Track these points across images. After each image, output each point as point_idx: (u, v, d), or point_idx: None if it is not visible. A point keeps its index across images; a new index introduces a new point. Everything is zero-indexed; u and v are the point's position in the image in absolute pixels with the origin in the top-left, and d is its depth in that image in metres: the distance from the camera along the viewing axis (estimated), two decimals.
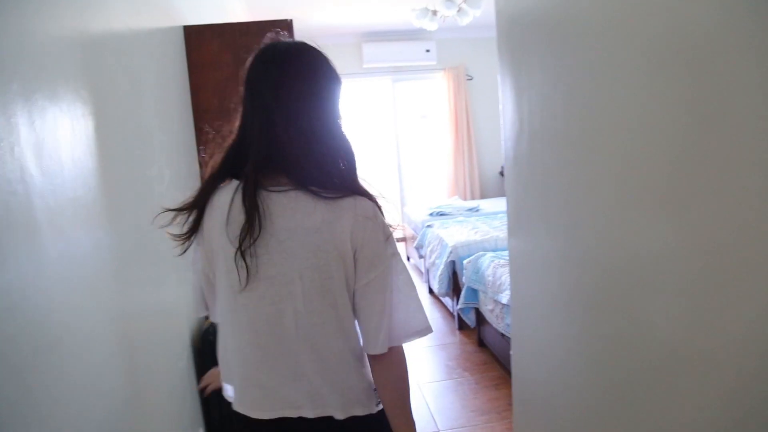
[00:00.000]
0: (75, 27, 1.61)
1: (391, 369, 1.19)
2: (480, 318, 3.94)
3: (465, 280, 3.90)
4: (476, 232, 4.66)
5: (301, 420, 1.18)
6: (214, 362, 2.51)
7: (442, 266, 4.37)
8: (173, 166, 2.59)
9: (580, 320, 1.70)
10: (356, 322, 1.21)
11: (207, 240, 1.23)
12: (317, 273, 1.12)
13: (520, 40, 1.97)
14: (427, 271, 5.10)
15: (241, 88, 1.23)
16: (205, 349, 2.47)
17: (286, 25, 3.06)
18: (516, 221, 2.23)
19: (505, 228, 4.66)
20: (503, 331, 3.38)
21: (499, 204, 6.28)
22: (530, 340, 2.17)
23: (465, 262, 3.94)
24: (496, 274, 3.49)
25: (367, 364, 1.23)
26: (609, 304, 1.53)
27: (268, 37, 1.26)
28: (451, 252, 4.29)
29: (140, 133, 2.14)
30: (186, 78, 3.00)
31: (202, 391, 1.67)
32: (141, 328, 1.98)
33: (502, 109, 2.25)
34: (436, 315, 4.79)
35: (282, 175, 1.14)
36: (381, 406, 1.23)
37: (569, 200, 1.69)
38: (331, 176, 1.15)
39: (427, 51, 7.35)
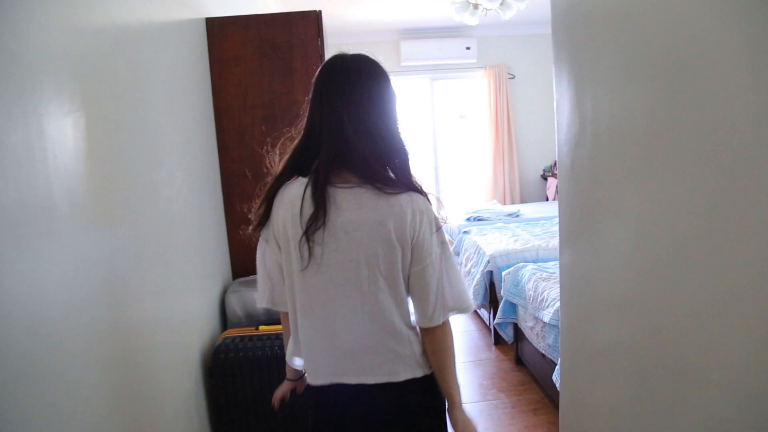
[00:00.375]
0: (66, 17, 1.43)
1: (440, 340, 1.39)
2: (518, 334, 3.66)
3: (503, 292, 3.62)
4: (516, 240, 4.36)
5: (360, 386, 1.36)
6: (226, 385, 2.27)
7: (478, 276, 4.10)
8: (188, 167, 2.40)
9: (655, 352, 1.44)
10: (409, 300, 1.39)
11: (278, 232, 1.38)
12: (379, 259, 1.29)
13: (584, 27, 1.70)
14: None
15: (309, 96, 1.37)
16: (216, 369, 2.27)
17: (315, 15, 2.85)
18: (570, 232, 1.97)
19: (547, 236, 4.36)
20: (544, 352, 3.09)
21: (540, 209, 5.95)
22: (585, 365, 1.91)
23: (504, 273, 3.66)
24: (537, 289, 3.21)
25: (419, 334, 1.42)
26: (690, 338, 1.26)
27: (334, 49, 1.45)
28: (488, 262, 4.02)
29: (145, 133, 1.95)
30: (207, 73, 2.82)
31: (278, 406, 1.68)
32: (141, 345, 1.79)
33: (556, 108, 1.98)
34: (470, 328, 4.52)
35: (348, 173, 1.31)
36: (430, 371, 1.41)
37: (646, 214, 1.42)
38: (391, 172, 1.31)
39: (467, 48, 7.06)
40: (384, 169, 1.31)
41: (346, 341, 1.35)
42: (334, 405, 1.43)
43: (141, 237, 1.84)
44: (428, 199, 1.36)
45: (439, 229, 1.36)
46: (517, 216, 5.63)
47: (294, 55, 2.86)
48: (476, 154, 7.57)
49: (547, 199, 7.37)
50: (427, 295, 1.35)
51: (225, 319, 2.66)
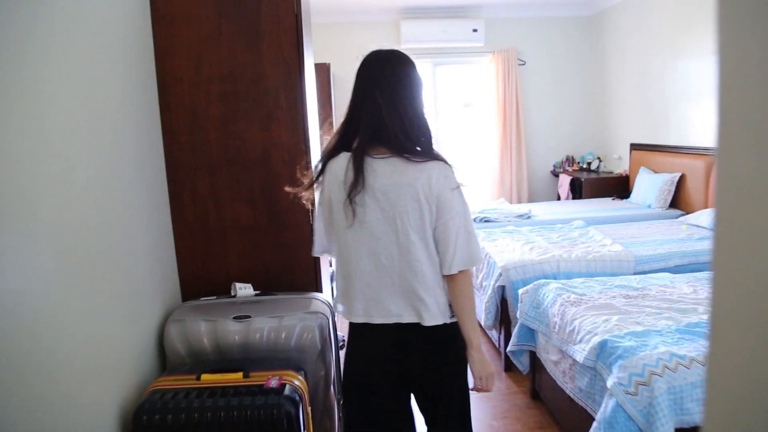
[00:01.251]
0: None
1: (459, 287, 1.63)
2: (535, 362, 3.04)
3: (519, 315, 3.00)
4: (531, 249, 3.73)
5: (396, 325, 1.64)
6: None
7: (489, 291, 3.47)
8: (107, 159, 1.75)
9: None
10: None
11: (327, 196, 1.69)
12: (411, 215, 1.59)
13: None
14: None
15: (353, 86, 1.69)
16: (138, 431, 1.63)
17: None
18: (731, 246, 1.30)
19: (567, 244, 3.74)
20: (573, 395, 2.48)
21: (554, 210, 5.32)
22: None
23: (520, 292, 3.03)
24: (565, 316, 2.58)
25: (444, 283, 1.65)
26: None
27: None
28: (500, 275, 3.39)
29: (20, 114, 1.31)
30: (148, 35, 2.17)
31: None
32: (22, 399, 1.16)
33: (719, 87, 1.29)
34: None
35: (383, 147, 1.60)
36: (454, 319, 1.66)
37: None
38: (417, 146, 1.61)
39: (474, 31, 6.41)
40: (412, 144, 1.59)
41: (382, 286, 1.63)
42: (367, 340, 1.70)
43: (31, 250, 1.21)
44: (449, 166, 1.62)
45: (457, 189, 1.60)
46: (529, 217, 4.99)
47: (262, 14, 2.22)
48: (481, 147, 6.93)
49: (558, 198, 6.74)
50: (447, 245, 1.59)
51: (164, 358, 2.03)
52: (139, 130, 2.04)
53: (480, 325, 3.51)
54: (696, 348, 2.09)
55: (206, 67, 2.23)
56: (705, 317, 2.40)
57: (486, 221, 4.88)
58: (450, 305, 1.65)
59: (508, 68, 6.59)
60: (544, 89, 6.86)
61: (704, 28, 4.78)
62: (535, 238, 4.07)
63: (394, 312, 1.62)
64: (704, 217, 4.29)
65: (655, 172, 5.49)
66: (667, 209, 5.11)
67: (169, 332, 1.99)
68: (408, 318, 1.62)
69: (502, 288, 3.40)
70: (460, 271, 1.60)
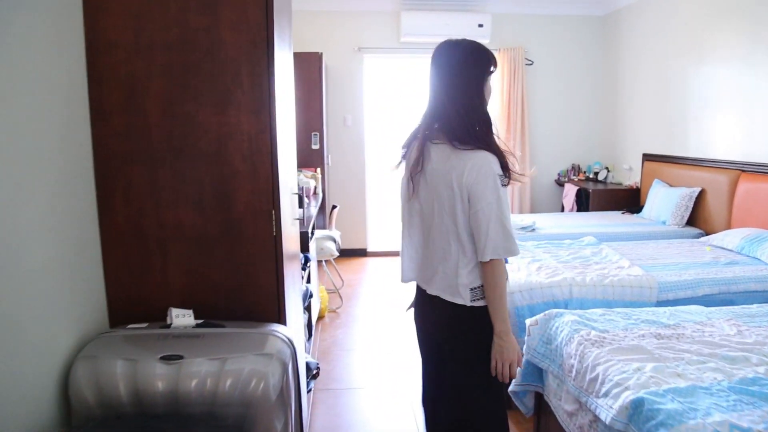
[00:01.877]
0: None
1: (488, 275, 1.69)
2: (541, 404, 2.58)
3: (526, 350, 2.53)
4: (539, 269, 3.27)
5: (425, 293, 1.85)
6: None
7: None
8: None
9: None
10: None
11: (404, 174, 1.89)
12: (444, 200, 1.70)
13: None
14: None
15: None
16: None
17: None
18: None
19: (580, 264, 3.27)
20: None
21: (560, 222, 4.86)
22: None
23: (528, 324, 2.56)
24: (585, 358, 2.11)
25: (475, 269, 1.72)
26: None
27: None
28: None
29: None
30: None
31: None
32: None
33: None
34: None
35: (441, 134, 1.72)
36: (476, 303, 1.73)
37: None
38: (470, 135, 1.67)
39: (480, 26, 5.95)
40: (464, 132, 1.68)
41: (422, 255, 1.85)
42: (415, 298, 1.97)
43: None
44: (499, 158, 1.68)
45: (494, 181, 1.64)
46: (533, 230, 4.53)
47: None
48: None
49: (563, 210, 6.28)
50: (478, 234, 1.67)
51: (69, 408, 1.54)
52: (57, 107, 1.56)
53: None
54: (762, 417, 1.62)
55: (148, 31, 1.75)
56: (762, 371, 1.93)
57: None
58: (478, 290, 1.73)
59: (515, 67, 6.13)
60: (551, 92, 6.41)
61: (732, 31, 4.33)
62: (542, 256, 3.60)
63: (426, 280, 1.84)
64: (730, 238, 3.84)
65: (671, 185, 5.04)
66: (683, 227, 4.67)
67: (75, 373, 1.51)
68: (433, 289, 1.80)
69: None
70: (492, 260, 1.66)
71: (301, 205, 4.10)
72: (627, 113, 5.99)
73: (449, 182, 1.66)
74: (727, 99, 4.43)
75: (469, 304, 1.72)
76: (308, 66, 5.10)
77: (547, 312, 2.54)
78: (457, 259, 1.72)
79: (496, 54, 5.95)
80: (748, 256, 3.62)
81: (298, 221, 2.55)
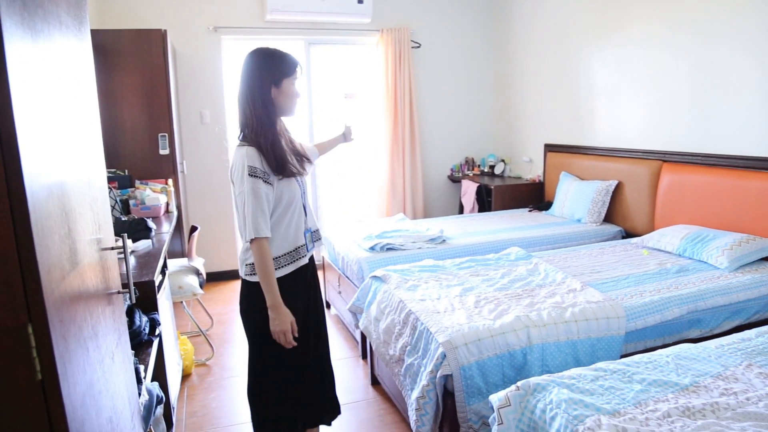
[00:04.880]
0: None
1: (254, 252, 1.90)
2: None
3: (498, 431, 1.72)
4: (478, 303, 2.50)
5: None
6: None
7: (424, 380, 2.17)
8: None
9: None
10: None
11: None
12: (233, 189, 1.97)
13: None
14: (376, 357, 2.89)
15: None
16: None
17: None
18: None
19: (524, 292, 2.58)
20: None
21: (468, 228, 4.16)
22: None
23: (496, 404, 1.74)
24: None
25: (249, 248, 1.94)
26: None
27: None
28: (443, 356, 2.10)
29: None
30: None
31: None
32: None
33: None
34: None
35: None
36: (251, 278, 1.99)
37: None
38: (245, 135, 1.96)
39: (360, 2, 5.11)
40: (243, 133, 1.97)
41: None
42: None
43: None
44: (264, 154, 1.91)
45: (243, 172, 1.88)
46: (443, 241, 3.78)
47: None
48: (368, 148, 5.65)
49: (461, 210, 5.65)
50: (240, 217, 1.92)
51: None
52: None
53: None
54: None
55: None
56: None
57: (389, 249, 3.59)
58: (251, 266, 1.98)
59: (400, 51, 5.37)
60: (441, 78, 5.74)
61: (643, 8, 3.87)
62: (472, 280, 2.84)
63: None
64: (668, 239, 3.34)
65: (581, 178, 4.55)
66: (601, 224, 4.18)
67: None
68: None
69: (445, 379, 2.12)
70: (253, 239, 1.88)
71: (147, 235, 3.02)
72: (525, 100, 5.46)
73: (230, 174, 2.00)
74: (642, 83, 3.97)
75: (244, 277, 2.02)
76: (147, 48, 3.94)
77: (520, 384, 1.75)
78: (241, 238, 1.96)
79: (377, 36, 5.14)
80: (692, 259, 3.15)
81: (122, 294, 1.53)
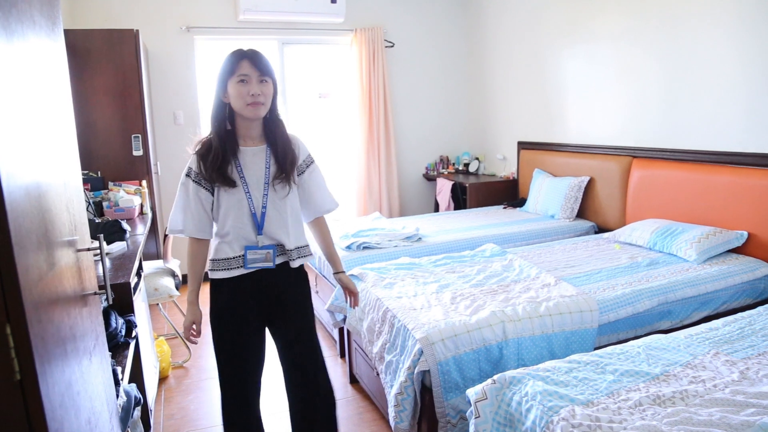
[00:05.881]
0: None
1: None
2: None
3: (475, 426, 1.75)
4: (454, 299, 2.54)
5: None
6: None
7: (401, 376, 2.20)
8: None
9: None
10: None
11: None
12: None
13: None
14: (363, 353, 2.90)
15: None
16: None
17: None
18: None
19: (500, 287, 2.62)
20: None
21: (444, 226, 4.20)
22: None
23: (473, 398, 1.78)
24: None
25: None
26: None
27: None
28: (420, 352, 2.13)
29: None
30: None
31: None
32: None
33: None
34: None
35: None
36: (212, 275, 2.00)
37: None
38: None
39: (333, 2, 5.11)
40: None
41: None
42: None
43: None
44: (197, 159, 1.91)
45: (182, 175, 1.95)
46: (419, 239, 3.82)
47: None
48: (342, 147, 5.66)
49: (437, 208, 5.69)
50: None
51: None
52: None
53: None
54: None
55: None
56: None
57: (366, 248, 3.61)
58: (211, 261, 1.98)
59: (374, 50, 5.39)
60: (415, 77, 5.77)
61: (614, 8, 3.95)
62: (448, 277, 2.88)
63: None
64: (638, 233, 3.42)
65: (554, 175, 4.63)
66: (574, 220, 4.26)
67: None
68: None
69: (423, 375, 2.15)
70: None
71: (121, 237, 2.99)
72: (498, 99, 5.53)
73: None
74: (612, 80, 4.05)
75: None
76: (119, 48, 3.89)
77: (496, 378, 1.78)
78: None
79: (351, 35, 5.16)
80: (662, 252, 3.23)
81: (98, 296, 1.53)
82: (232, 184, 1.86)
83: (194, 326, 1.94)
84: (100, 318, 1.57)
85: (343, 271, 2.16)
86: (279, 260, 1.94)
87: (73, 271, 1.25)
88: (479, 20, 5.66)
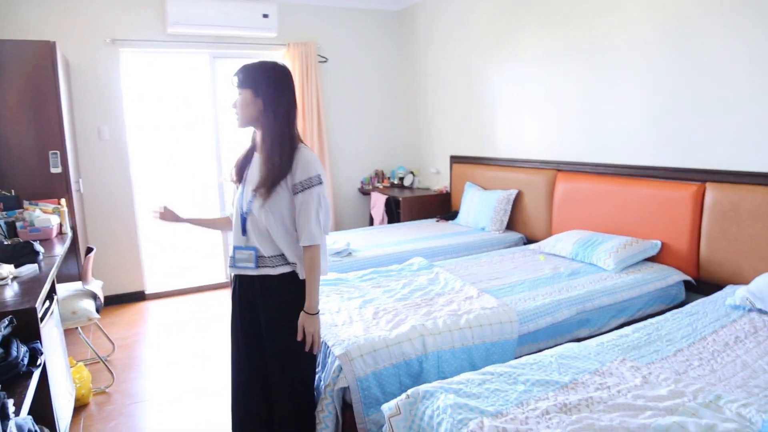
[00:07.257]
0: None
1: None
2: None
3: None
4: (376, 314, 2.53)
5: None
6: None
7: (322, 394, 2.17)
8: None
9: None
10: None
11: None
12: None
13: None
14: None
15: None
16: None
17: None
18: None
19: (423, 301, 2.63)
20: None
21: (375, 240, 4.21)
22: None
23: (387, 413, 1.77)
24: None
25: None
26: None
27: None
28: (339, 369, 2.11)
29: None
30: None
31: None
32: None
33: None
34: None
35: None
36: None
37: None
38: None
39: (265, 16, 5.08)
40: None
41: None
42: None
43: None
44: None
45: None
46: (349, 254, 3.81)
47: None
48: None
49: (371, 222, 5.70)
50: None
51: None
52: None
53: None
54: None
55: None
56: None
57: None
58: None
59: (307, 65, 5.39)
60: (349, 92, 5.79)
61: (535, 28, 4.09)
62: (373, 292, 2.87)
63: None
64: (562, 244, 3.52)
65: (485, 188, 4.72)
66: (504, 232, 4.35)
67: None
68: None
69: (343, 391, 2.13)
70: None
71: (33, 259, 2.85)
72: (430, 114, 5.61)
73: None
74: (537, 98, 4.18)
75: None
76: (33, 61, 3.73)
77: (410, 392, 1.78)
78: None
79: (284, 50, 5.11)
80: (583, 262, 3.34)
81: None
82: (236, 180, 2.15)
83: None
84: None
85: (309, 312, 1.96)
86: (263, 271, 2.00)
87: None
88: (412, 37, 5.75)
